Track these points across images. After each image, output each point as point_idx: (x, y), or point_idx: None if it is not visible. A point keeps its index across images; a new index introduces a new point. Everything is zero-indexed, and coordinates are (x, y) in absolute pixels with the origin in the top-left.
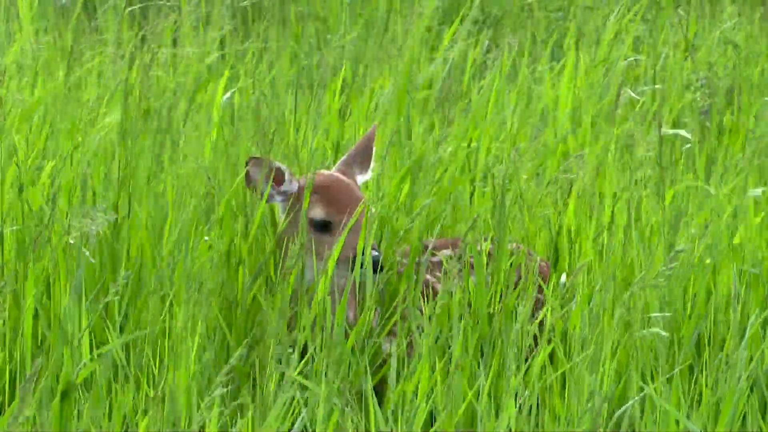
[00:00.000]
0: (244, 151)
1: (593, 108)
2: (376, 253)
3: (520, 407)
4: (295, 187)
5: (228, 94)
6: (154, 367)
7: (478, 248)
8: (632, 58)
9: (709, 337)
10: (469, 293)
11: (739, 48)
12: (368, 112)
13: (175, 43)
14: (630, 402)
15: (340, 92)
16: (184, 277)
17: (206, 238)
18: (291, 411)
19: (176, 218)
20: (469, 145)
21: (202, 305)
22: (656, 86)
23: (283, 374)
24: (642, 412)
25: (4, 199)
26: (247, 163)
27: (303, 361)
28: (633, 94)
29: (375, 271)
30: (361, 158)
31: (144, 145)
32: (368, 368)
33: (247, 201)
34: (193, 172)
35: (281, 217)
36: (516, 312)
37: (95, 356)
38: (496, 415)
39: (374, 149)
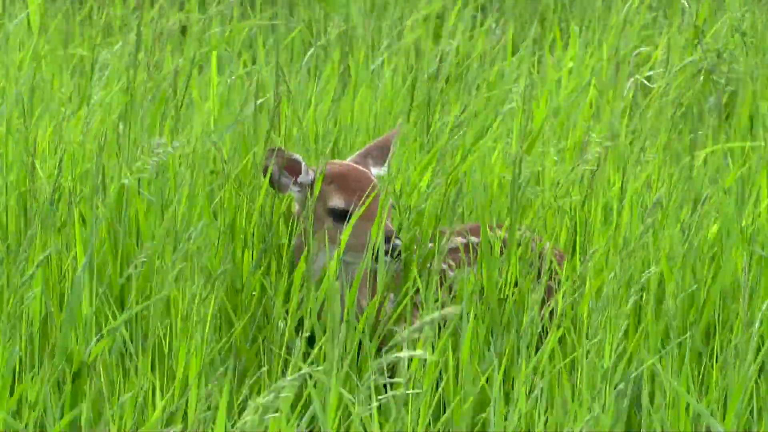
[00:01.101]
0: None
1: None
2: (398, 241)
3: (529, 393)
4: (311, 177)
5: (233, 78)
6: (163, 346)
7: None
8: (642, 49)
9: (718, 322)
10: (482, 280)
11: (746, 36)
12: (372, 97)
13: (183, 31)
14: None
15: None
16: (188, 258)
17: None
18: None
19: (180, 195)
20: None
21: (207, 288)
22: (663, 72)
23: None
24: (652, 397)
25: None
26: (266, 155)
27: (302, 346)
28: (646, 83)
29: (396, 259)
30: (378, 152)
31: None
32: (375, 354)
33: (251, 181)
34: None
35: (297, 208)
36: (527, 299)
37: (104, 334)
38: (506, 402)
39: (393, 147)
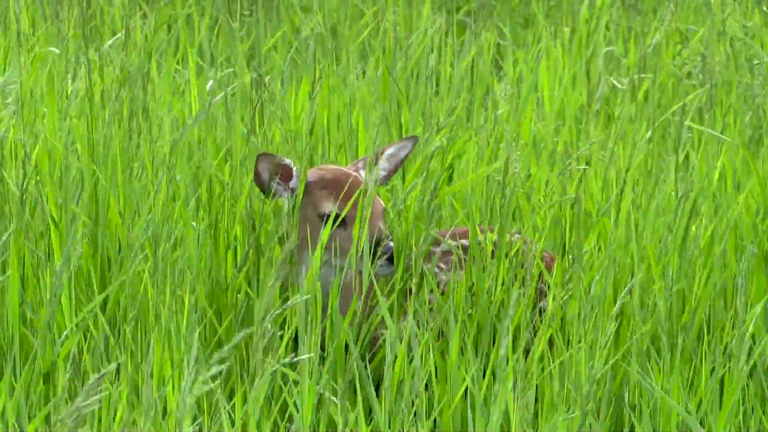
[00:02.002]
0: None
1: (575, 100)
2: (391, 244)
3: (515, 393)
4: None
5: (210, 83)
6: (134, 347)
7: (481, 238)
8: (609, 48)
9: (709, 322)
10: (471, 283)
11: (734, 40)
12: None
13: (170, 29)
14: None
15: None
16: (167, 258)
17: (193, 223)
18: (277, 399)
19: (156, 197)
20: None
21: (188, 288)
22: (646, 75)
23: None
24: (640, 399)
25: None
26: (256, 160)
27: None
28: (616, 83)
29: (390, 262)
30: (373, 159)
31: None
32: (365, 355)
33: (231, 181)
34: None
35: (287, 213)
36: (512, 300)
37: (68, 335)
38: (495, 402)
39: (390, 151)
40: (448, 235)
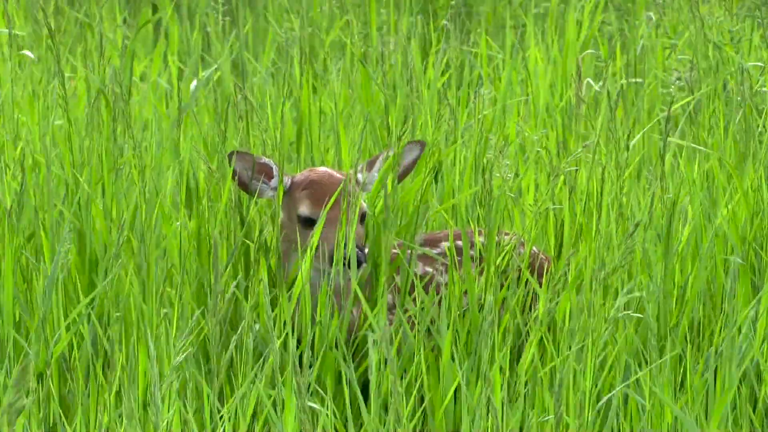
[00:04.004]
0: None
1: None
2: (358, 250)
3: (509, 398)
4: (287, 182)
5: (194, 82)
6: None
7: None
8: (591, 51)
9: (698, 326)
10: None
11: (720, 48)
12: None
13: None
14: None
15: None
16: (154, 261)
17: (177, 223)
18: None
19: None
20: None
21: (176, 291)
22: (637, 80)
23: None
24: (626, 402)
25: None
26: (233, 159)
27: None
28: (593, 84)
29: (357, 266)
30: (372, 163)
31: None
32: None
33: (215, 185)
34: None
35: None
36: (504, 302)
37: (62, 335)
38: (486, 405)
39: (389, 156)
40: (416, 239)
